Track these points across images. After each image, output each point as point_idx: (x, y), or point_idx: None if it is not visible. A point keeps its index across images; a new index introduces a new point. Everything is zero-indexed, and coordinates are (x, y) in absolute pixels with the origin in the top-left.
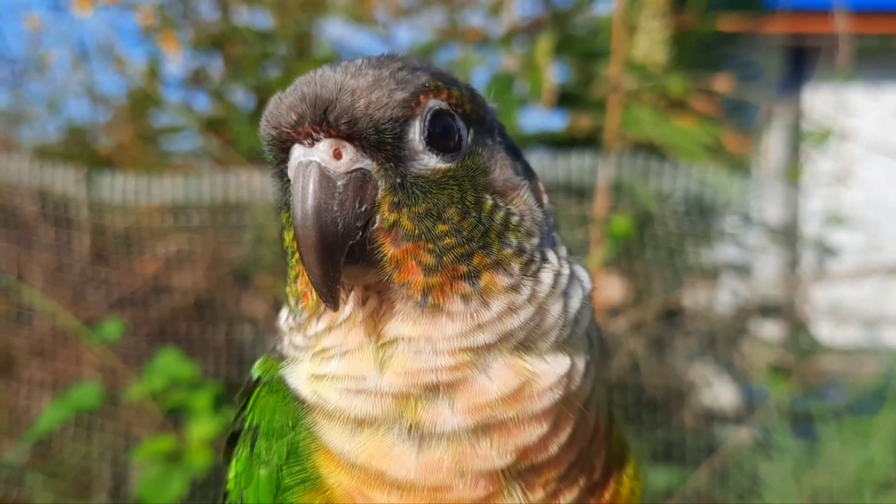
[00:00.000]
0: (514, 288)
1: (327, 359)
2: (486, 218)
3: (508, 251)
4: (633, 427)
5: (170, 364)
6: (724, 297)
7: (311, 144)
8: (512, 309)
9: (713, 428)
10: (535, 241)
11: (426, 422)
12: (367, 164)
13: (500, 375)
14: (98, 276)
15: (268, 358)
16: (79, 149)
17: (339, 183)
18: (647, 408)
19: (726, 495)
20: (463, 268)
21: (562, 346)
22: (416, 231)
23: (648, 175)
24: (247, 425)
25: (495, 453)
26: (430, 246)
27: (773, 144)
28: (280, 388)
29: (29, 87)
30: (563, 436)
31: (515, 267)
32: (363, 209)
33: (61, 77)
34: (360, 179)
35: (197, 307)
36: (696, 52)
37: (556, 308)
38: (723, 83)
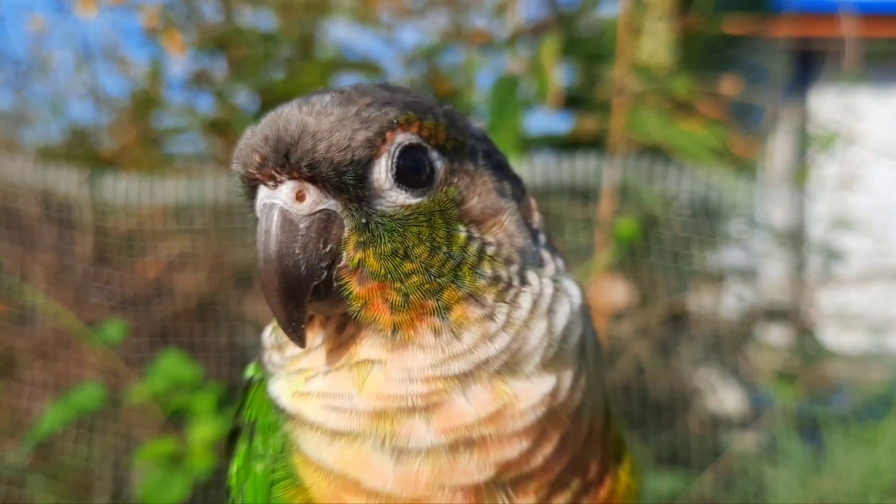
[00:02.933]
0: (489, 317)
1: (309, 378)
2: (457, 252)
3: (482, 282)
4: (637, 431)
5: (172, 366)
6: (730, 301)
7: (275, 186)
8: (486, 337)
9: (718, 433)
10: (515, 267)
11: (400, 436)
12: (332, 204)
13: (479, 399)
14: (100, 277)
15: (258, 363)
16: (82, 150)
17: (301, 225)
18: (652, 412)
19: (731, 500)
20: (431, 303)
21: (548, 364)
22: (382, 270)
23: (654, 178)
24: (245, 421)
25: (475, 468)
26: (397, 285)
27: (780, 148)
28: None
29: (32, 89)
30: (549, 447)
31: (489, 297)
32: (328, 249)
33: (64, 78)
34: (324, 220)
35: (199, 309)
36: (702, 54)
37: (538, 329)
38: (729, 86)
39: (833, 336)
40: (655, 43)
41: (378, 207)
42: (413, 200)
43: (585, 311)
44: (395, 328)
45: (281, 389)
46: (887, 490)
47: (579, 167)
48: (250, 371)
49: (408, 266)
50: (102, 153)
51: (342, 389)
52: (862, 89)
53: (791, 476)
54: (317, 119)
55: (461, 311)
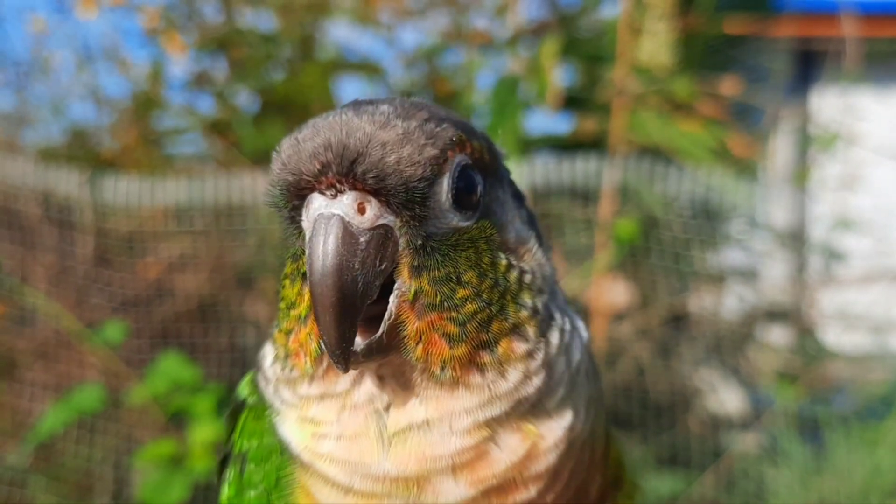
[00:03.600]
0: (530, 354)
1: (321, 436)
2: (501, 279)
3: (525, 313)
4: (638, 432)
5: (172, 367)
6: (731, 301)
7: (334, 196)
8: (527, 376)
9: (719, 433)
10: (544, 297)
11: (427, 493)
12: (391, 220)
13: (510, 444)
14: (101, 278)
15: (253, 379)
16: (82, 151)
17: (361, 239)
18: (653, 413)
19: (732, 501)
20: (484, 335)
21: (565, 399)
22: (438, 298)
23: (654, 179)
24: (236, 451)
25: None
26: (454, 314)
27: (781, 148)
28: (267, 416)
29: (33, 90)
30: (561, 483)
31: (531, 330)
32: (382, 267)
33: (65, 79)
34: (382, 236)
35: (200, 310)
36: (703, 54)
37: (560, 366)
38: (729, 86)
39: (834, 336)
40: (656, 43)
41: (434, 228)
42: (463, 224)
43: (587, 342)
44: (445, 365)
45: (292, 435)
46: (889, 491)
47: (580, 168)
48: (243, 392)
49: (461, 292)
50: (103, 154)
51: (367, 457)
52: (863, 89)
53: (792, 477)
54: (383, 130)
55: (507, 345)
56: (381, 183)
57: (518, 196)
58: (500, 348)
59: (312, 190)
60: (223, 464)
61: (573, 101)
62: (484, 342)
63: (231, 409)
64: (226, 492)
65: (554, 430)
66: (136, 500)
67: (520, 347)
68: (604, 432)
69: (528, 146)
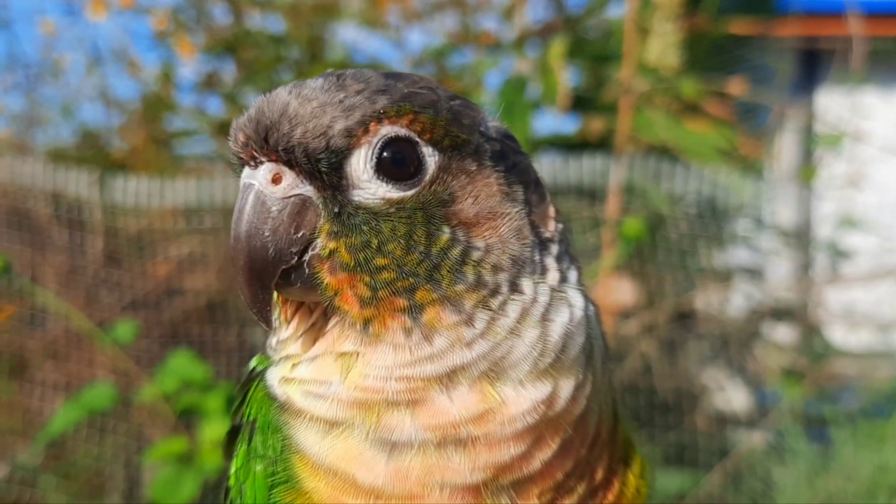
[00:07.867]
0: (465, 323)
1: (296, 364)
2: (436, 252)
3: (460, 287)
4: (645, 430)
5: (182, 365)
6: (737, 299)
7: (255, 167)
8: (460, 343)
9: (726, 431)
10: (504, 274)
11: (385, 428)
12: (308, 190)
13: (463, 400)
14: (111, 278)
15: (264, 353)
16: (92, 152)
17: (273, 208)
18: (660, 411)
19: (739, 499)
20: (402, 302)
21: (543, 372)
22: (352, 262)
23: (660, 177)
24: (245, 420)
25: (466, 468)
26: (367, 279)
27: (786, 147)
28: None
29: (43, 91)
30: (548, 452)
31: (467, 303)
32: (300, 235)
33: (75, 81)
34: (299, 205)
35: (209, 309)
36: (709, 54)
37: (528, 337)
38: (735, 86)
39: (840, 334)
40: (662, 44)
41: (355, 198)
42: (396, 194)
43: (591, 319)
44: (367, 322)
45: (274, 376)
46: (895, 488)
47: (586, 167)
48: (253, 362)
49: (379, 261)
50: (113, 155)
51: (324, 377)
52: (868, 88)
53: (799, 474)
54: (299, 103)
55: (434, 313)
56: (290, 155)
57: (516, 170)
58: (425, 316)
59: (244, 160)
60: (231, 437)
61: (580, 101)
62: (403, 308)
63: (242, 381)
64: (234, 463)
65: (521, 400)
66: (146, 498)
67: (449, 317)
68: (611, 412)
69: (536, 146)
